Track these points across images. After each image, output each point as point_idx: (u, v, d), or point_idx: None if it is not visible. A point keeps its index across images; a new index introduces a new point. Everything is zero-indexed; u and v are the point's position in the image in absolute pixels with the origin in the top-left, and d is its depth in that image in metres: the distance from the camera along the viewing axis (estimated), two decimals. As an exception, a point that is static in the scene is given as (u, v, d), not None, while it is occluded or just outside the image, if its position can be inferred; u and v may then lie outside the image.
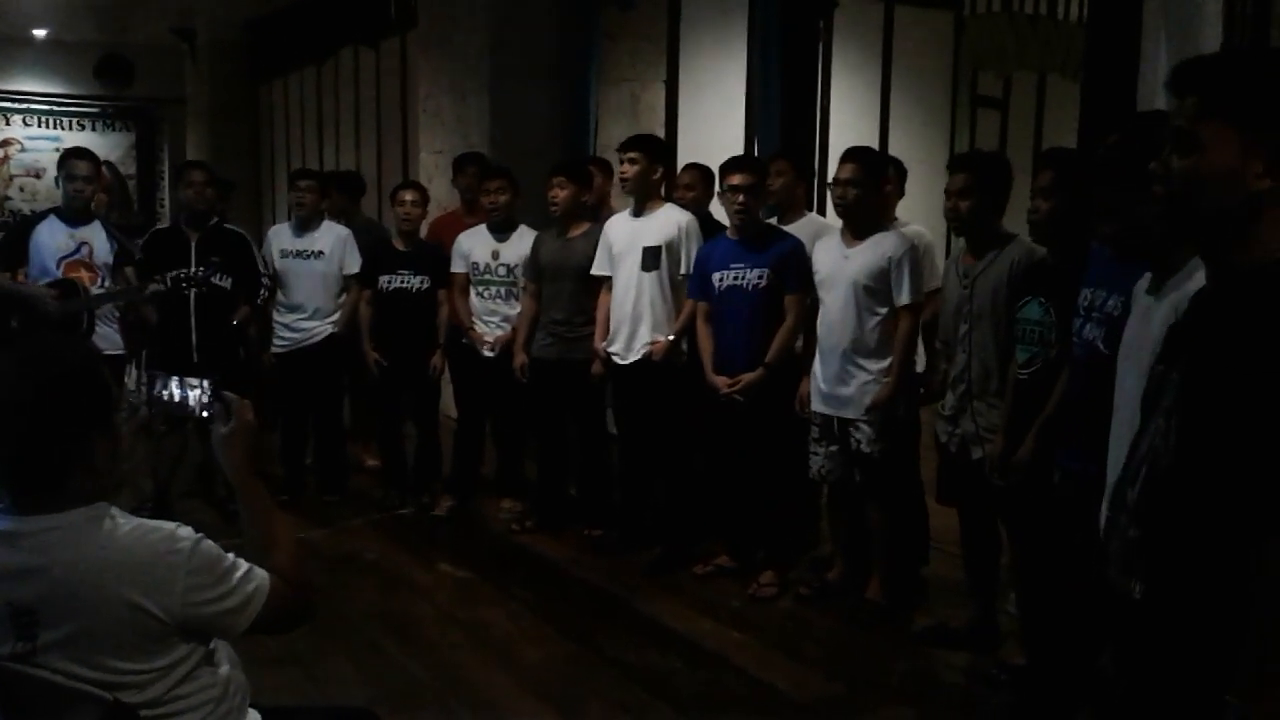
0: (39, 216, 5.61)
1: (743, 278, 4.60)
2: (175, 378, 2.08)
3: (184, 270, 5.40)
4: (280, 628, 2.04)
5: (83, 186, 5.45)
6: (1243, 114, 1.50)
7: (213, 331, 5.49)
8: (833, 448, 4.41)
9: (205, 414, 2.07)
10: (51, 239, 5.37)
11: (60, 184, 5.53)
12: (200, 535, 1.89)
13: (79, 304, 5.25)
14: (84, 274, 5.36)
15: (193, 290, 5.38)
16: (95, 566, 1.80)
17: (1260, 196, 1.49)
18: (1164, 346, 1.69)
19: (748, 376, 4.55)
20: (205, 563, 1.87)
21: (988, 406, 3.82)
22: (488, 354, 5.54)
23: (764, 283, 4.56)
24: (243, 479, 2.08)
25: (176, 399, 2.07)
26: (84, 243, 5.41)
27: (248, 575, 1.92)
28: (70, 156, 5.56)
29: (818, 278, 4.44)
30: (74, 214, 5.46)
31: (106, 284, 5.43)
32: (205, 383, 2.07)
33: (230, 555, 1.93)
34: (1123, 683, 1.68)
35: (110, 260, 5.46)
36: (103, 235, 5.49)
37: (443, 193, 7.40)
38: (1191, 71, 1.60)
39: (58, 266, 5.33)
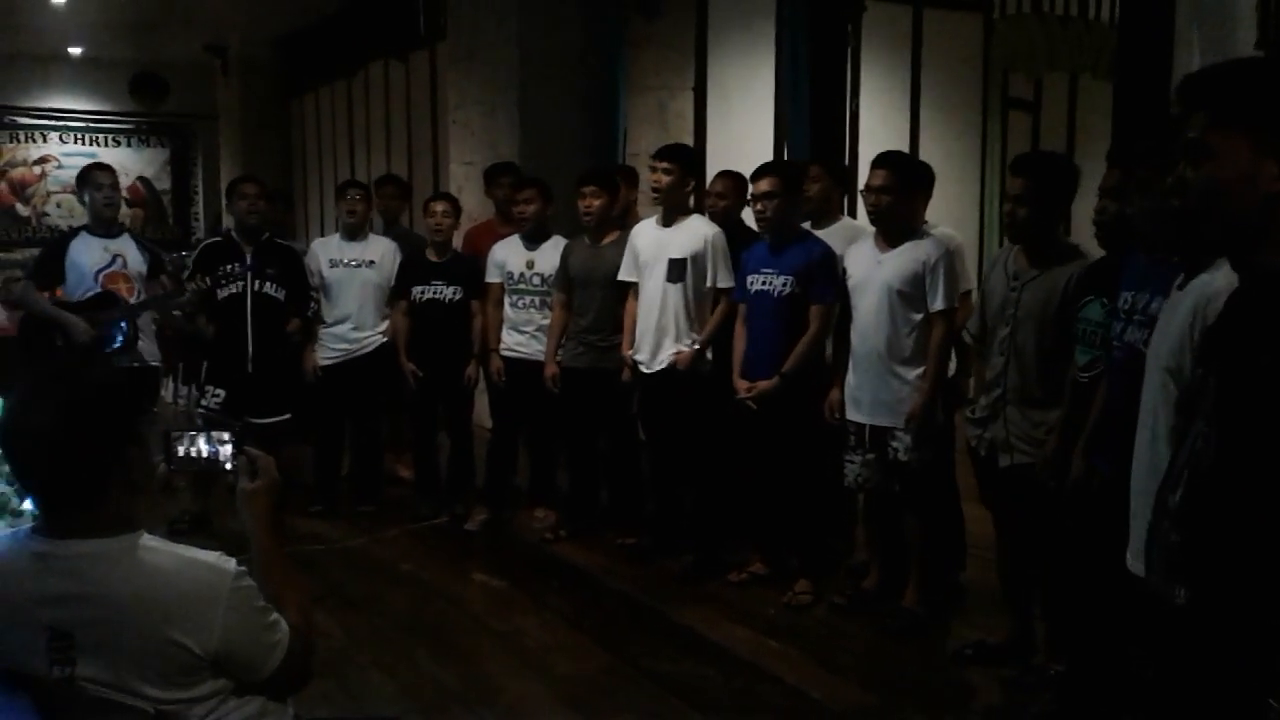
0: (71, 234, 5.69)
1: (770, 283, 4.59)
2: (203, 434, 2.06)
3: (224, 267, 5.51)
4: (285, 686, 1.99)
5: (111, 194, 5.55)
6: (1252, 119, 1.51)
7: (268, 342, 5.58)
8: (869, 456, 4.36)
9: (230, 467, 2.06)
10: (87, 254, 5.43)
11: (87, 200, 5.60)
12: (243, 569, 1.88)
13: (120, 312, 5.35)
14: (121, 285, 5.44)
15: (235, 285, 5.47)
16: (132, 600, 1.79)
17: (1277, 198, 1.50)
18: (1200, 350, 1.68)
19: (763, 384, 4.55)
20: (245, 600, 1.87)
21: (1021, 415, 3.71)
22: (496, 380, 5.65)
23: (789, 290, 4.54)
24: (262, 536, 2.05)
25: (205, 454, 2.05)
26: (118, 255, 5.48)
27: (277, 623, 1.93)
28: (94, 169, 5.63)
29: (851, 283, 4.40)
30: (105, 226, 5.54)
31: (142, 296, 5.50)
32: (231, 436, 2.06)
33: (263, 600, 1.92)
34: (1165, 688, 1.67)
35: (144, 270, 5.54)
36: (134, 247, 5.59)
37: (473, 203, 7.44)
38: (1198, 84, 1.62)
39: (96, 279, 5.40)
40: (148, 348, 5.50)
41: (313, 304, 5.90)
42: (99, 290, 5.38)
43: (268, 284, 5.61)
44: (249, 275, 5.55)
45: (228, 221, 6.16)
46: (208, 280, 5.43)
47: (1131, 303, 3.10)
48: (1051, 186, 3.71)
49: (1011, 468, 3.76)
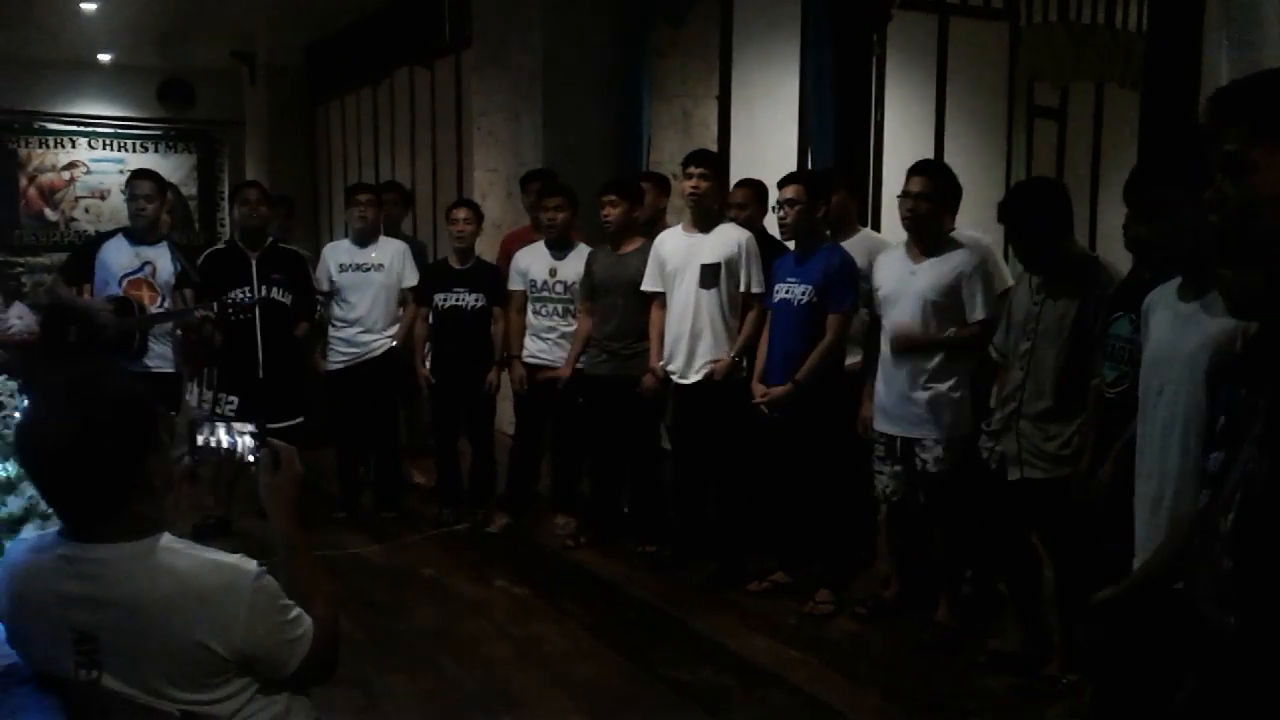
0: (107, 235, 5.74)
1: (791, 292, 4.59)
2: (223, 424, 2.06)
3: (232, 295, 5.54)
4: (311, 678, 1.99)
5: (144, 205, 5.49)
6: None
7: (278, 347, 5.64)
8: (897, 467, 4.33)
9: (252, 459, 2.06)
10: (117, 256, 5.47)
11: (127, 204, 5.64)
12: (263, 569, 1.88)
13: (133, 322, 5.34)
14: (145, 293, 5.44)
15: (240, 317, 5.49)
16: (154, 603, 1.80)
17: None
18: (1243, 370, 1.64)
19: (776, 389, 4.54)
20: (266, 600, 1.87)
21: (1034, 428, 3.69)
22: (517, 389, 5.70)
23: (808, 299, 4.53)
24: (287, 528, 2.06)
25: (225, 446, 2.05)
26: (148, 262, 5.48)
27: (300, 619, 1.93)
28: (133, 177, 5.66)
29: (880, 293, 4.35)
30: (139, 233, 5.52)
31: (166, 304, 5.50)
32: (252, 429, 2.06)
33: (285, 598, 1.92)
34: (1207, 714, 1.63)
35: (172, 281, 5.52)
36: (168, 256, 5.55)
37: (497, 210, 7.45)
38: (1233, 97, 1.57)
39: (120, 284, 5.41)
40: (161, 352, 5.46)
41: (319, 308, 5.94)
42: (119, 295, 5.38)
43: (275, 289, 5.67)
44: (254, 281, 5.61)
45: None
46: (214, 306, 5.42)
47: None
48: (1039, 221, 3.68)
49: (1022, 481, 3.74)
